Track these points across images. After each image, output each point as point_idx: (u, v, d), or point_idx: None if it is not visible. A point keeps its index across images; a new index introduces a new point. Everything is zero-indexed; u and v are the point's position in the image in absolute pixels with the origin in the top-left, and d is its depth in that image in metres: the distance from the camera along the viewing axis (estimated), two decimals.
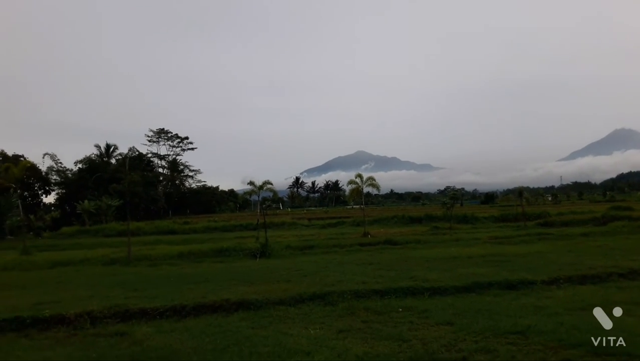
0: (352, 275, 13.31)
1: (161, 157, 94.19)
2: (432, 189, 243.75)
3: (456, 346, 6.93)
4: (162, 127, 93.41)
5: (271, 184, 37.12)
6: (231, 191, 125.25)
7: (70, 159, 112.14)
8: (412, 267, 14.94)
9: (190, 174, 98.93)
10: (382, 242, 25.12)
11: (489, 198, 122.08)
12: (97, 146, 76.41)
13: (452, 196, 50.46)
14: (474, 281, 11.54)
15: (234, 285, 12.42)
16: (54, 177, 71.21)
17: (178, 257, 21.35)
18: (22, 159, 60.52)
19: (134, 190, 60.69)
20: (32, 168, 58.58)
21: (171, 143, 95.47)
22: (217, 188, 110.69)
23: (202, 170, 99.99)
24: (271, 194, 44.30)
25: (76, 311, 9.15)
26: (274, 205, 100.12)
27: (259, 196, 39.10)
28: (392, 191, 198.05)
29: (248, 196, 47.60)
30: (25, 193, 62.55)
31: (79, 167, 72.59)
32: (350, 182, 35.89)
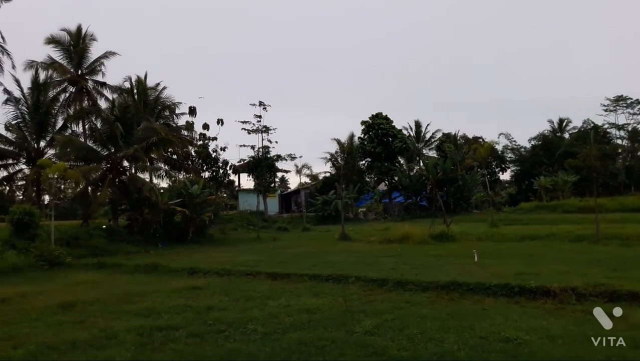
0: None
1: (619, 128, 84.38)
2: None
3: None
4: (620, 94, 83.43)
5: None
6: None
7: (521, 136, 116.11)
8: None
9: None
10: None
11: None
12: (550, 121, 76.07)
13: None
14: None
15: None
16: (509, 155, 76.01)
17: None
18: (480, 140, 67.28)
19: (591, 164, 57.28)
20: (491, 148, 64.30)
21: (631, 110, 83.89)
22: None
23: None
24: None
25: (560, 285, 9.39)
26: None
27: None
28: None
29: None
30: (485, 171, 69.20)
31: (532, 144, 74.44)
32: None
